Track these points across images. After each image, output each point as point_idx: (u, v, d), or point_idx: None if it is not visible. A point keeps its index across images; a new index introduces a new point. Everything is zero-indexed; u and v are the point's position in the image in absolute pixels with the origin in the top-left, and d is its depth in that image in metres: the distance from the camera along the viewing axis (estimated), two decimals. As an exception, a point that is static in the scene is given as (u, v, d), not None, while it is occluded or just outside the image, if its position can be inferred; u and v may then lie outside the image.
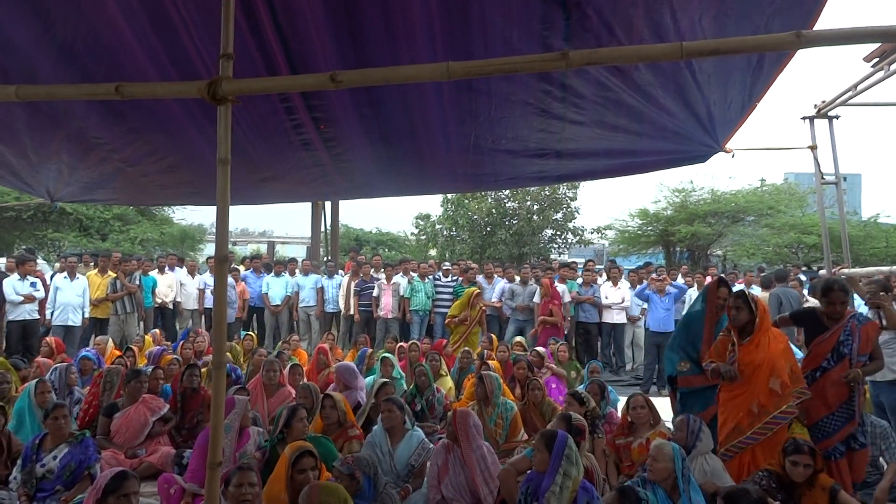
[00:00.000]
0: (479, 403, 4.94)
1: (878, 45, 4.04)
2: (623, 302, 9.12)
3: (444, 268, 10.31)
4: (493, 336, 7.70)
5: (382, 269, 9.99)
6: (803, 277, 10.43)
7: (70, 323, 8.24)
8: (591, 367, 6.10)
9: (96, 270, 8.94)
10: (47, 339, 6.94)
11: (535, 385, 5.26)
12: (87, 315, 8.51)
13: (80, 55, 2.73)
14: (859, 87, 4.56)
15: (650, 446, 3.45)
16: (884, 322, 4.26)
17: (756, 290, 9.07)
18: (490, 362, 6.09)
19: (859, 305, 5.51)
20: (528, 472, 3.50)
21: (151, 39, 2.63)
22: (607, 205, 57.46)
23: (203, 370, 5.90)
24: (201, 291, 9.91)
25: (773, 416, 3.79)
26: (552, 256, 17.57)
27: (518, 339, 7.84)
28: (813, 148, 5.00)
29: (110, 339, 7.50)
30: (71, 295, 8.31)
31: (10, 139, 3.53)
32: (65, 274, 8.47)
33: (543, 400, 5.19)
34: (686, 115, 3.29)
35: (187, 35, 2.59)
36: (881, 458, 4.14)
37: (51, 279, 8.61)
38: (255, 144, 3.60)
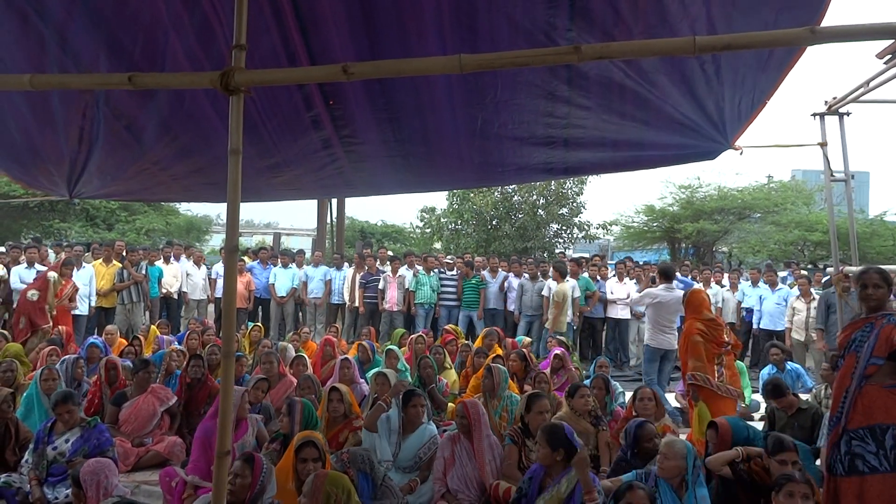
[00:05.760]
0: (484, 396, 4.96)
1: (891, 41, 4.00)
2: (628, 297, 9.12)
3: (447, 261, 10.34)
4: (499, 330, 7.70)
5: (388, 262, 10.00)
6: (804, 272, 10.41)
7: (77, 312, 8.27)
8: (599, 361, 6.11)
9: (101, 260, 8.98)
10: (58, 327, 7.00)
11: (541, 378, 5.28)
12: (93, 304, 8.56)
13: (112, 31, 2.76)
14: (871, 84, 4.52)
15: (661, 443, 3.45)
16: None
17: (764, 288, 9.05)
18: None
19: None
20: (533, 465, 3.53)
21: (184, 24, 2.65)
22: (613, 200, 57.23)
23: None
24: (213, 281, 9.97)
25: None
26: (557, 251, 17.56)
27: (527, 340, 7.84)
28: (823, 145, 4.96)
29: (118, 329, 7.57)
30: (77, 284, 8.36)
31: (42, 109, 3.55)
32: None
33: (549, 394, 5.21)
34: (694, 109, 3.28)
35: (218, 22, 2.61)
36: None
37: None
38: (268, 126, 3.61)
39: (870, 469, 2.96)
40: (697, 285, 9.22)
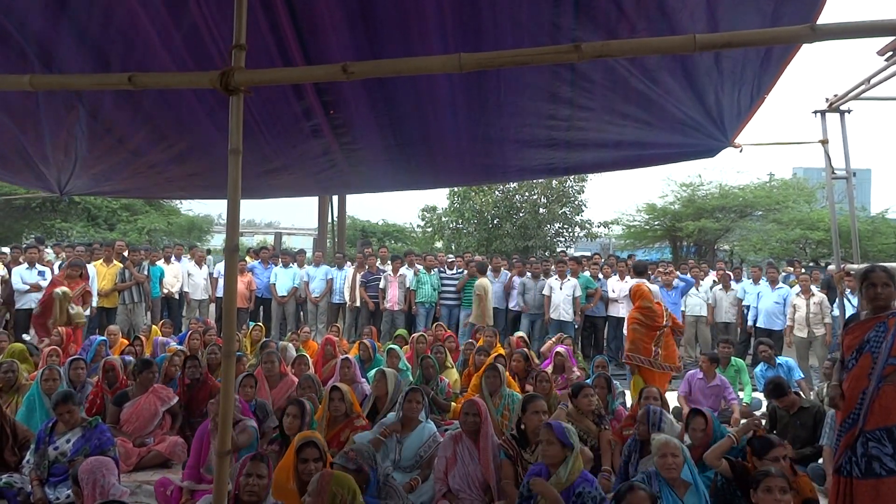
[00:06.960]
0: (486, 395, 4.95)
1: (893, 38, 3.99)
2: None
3: (449, 260, 10.33)
4: (496, 331, 7.69)
5: (389, 262, 10.00)
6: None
7: (78, 312, 8.27)
8: (598, 361, 6.13)
9: (102, 260, 8.99)
10: (59, 328, 6.99)
11: (542, 377, 5.27)
12: (94, 304, 8.56)
13: (96, 42, 2.74)
14: (872, 81, 4.50)
15: (652, 444, 3.44)
16: None
17: (764, 285, 9.04)
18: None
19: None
20: (533, 465, 3.52)
21: (169, 28, 2.64)
22: (614, 198, 57.18)
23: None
24: (215, 280, 9.97)
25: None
26: (558, 249, 17.55)
27: (519, 334, 7.84)
28: (824, 142, 4.94)
29: (120, 329, 7.57)
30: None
31: (29, 123, 3.55)
32: None
33: (551, 392, 5.21)
34: (694, 105, 3.27)
35: (204, 25, 2.60)
36: None
37: (59, 268, 8.66)
38: (267, 136, 3.60)
39: (887, 471, 2.95)
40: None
